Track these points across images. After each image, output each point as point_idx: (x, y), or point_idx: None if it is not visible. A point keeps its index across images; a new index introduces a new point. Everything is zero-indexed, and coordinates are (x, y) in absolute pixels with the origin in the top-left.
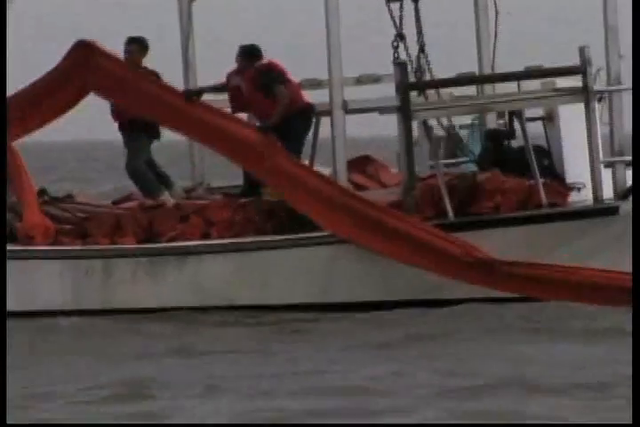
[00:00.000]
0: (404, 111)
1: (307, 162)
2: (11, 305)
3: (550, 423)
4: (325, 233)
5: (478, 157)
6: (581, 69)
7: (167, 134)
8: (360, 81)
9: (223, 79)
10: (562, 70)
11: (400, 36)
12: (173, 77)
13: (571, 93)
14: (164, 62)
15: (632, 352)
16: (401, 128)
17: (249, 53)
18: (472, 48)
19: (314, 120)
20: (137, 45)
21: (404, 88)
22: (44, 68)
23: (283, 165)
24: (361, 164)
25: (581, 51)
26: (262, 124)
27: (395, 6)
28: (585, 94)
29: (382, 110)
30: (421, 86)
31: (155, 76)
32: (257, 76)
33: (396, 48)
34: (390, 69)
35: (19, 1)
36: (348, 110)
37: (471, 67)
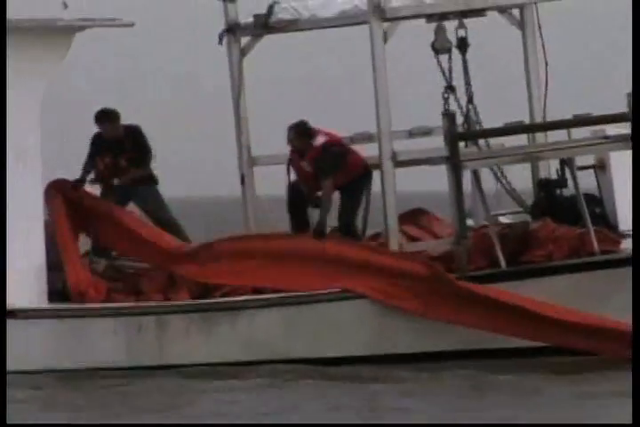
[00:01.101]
0: (454, 161)
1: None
2: (64, 363)
3: (549, 424)
4: None
5: (531, 207)
6: (628, 116)
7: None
8: (412, 134)
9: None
10: (609, 118)
11: (450, 88)
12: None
13: (618, 140)
14: (218, 120)
15: (632, 352)
16: (450, 178)
17: (303, 134)
18: (523, 98)
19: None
20: (112, 120)
21: (452, 138)
22: None
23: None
24: (414, 216)
25: (628, 97)
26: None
27: (443, 58)
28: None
29: (432, 161)
30: (470, 136)
31: (136, 131)
32: (319, 159)
33: (446, 99)
34: (440, 121)
35: None
36: (397, 162)
37: (524, 116)
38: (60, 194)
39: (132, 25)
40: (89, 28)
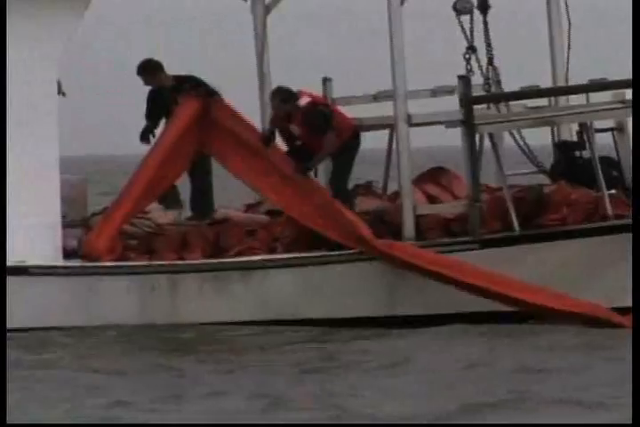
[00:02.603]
0: (468, 125)
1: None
2: (78, 321)
3: (549, 423)
4: None
5: (550, 168)
6: None
7: None
8: (435, 92)
9: None
10: (624, 83)
11: (472, 49)
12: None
13: (630, 106)
14: (239, 74)
15: (632, 352)
16: (465, 141)
17: (284, 98)
18: (546, 60)
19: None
20: (149, 72)
21: (467, 101)
22: None
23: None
24: (435, 175)
25: None
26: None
27: (465, 19)
28: None
29: (447, 124)
30: (484, 100)
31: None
32: (307, 121)
33: (467, 60)
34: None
35: None
36: (411, 124)
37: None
38: (199, 102)
39: None
40: None
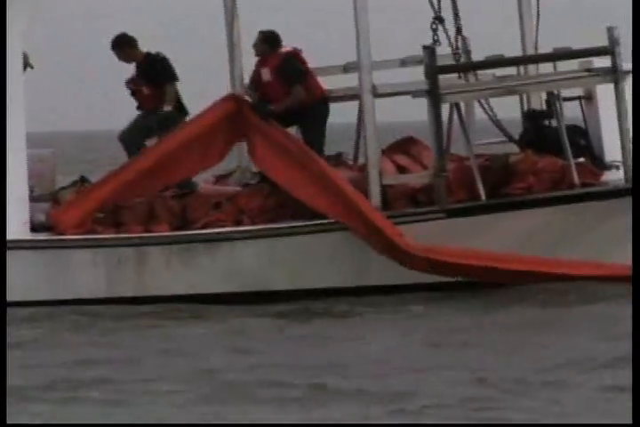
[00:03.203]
0: (433, 95)
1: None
2: (44, 294)
3: (549, 423)
4: None
5: (518, 137)
6: (609, 50)
7: None
8: (405, 62)
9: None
10: (590, 51)
11: (439, 19)
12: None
13: (599, 74)
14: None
15: (632, 352)
16: (430, 111)
17: (270, 41)
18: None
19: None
20: (121, 47)
21: (432, 72)
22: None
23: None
24: (405, 145)
25: (609, 31)
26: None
27: None
28: (614, 74)
29: (412, 94)
30: (449, 70)
31: (163, 58)
32: (281, 66)
33: (434, 30)
34: (442, 50)
35: None
36: (376, 94)
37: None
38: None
39: None
40: None
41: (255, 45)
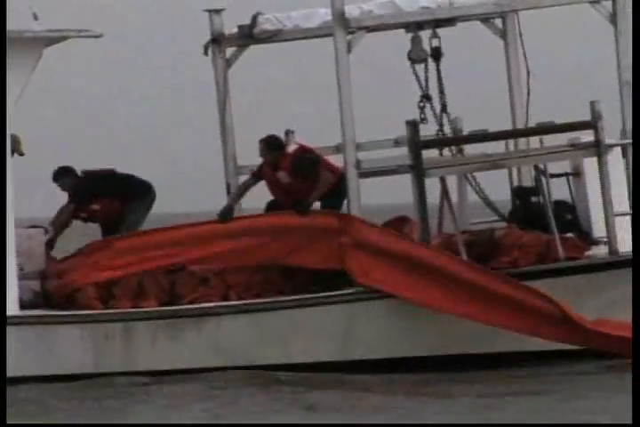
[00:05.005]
0: (417, 169)
1: None
2: (33, 370)
3: (551, 424)
4: (344, 291)
5: (508, 214)
6: (592, 124)
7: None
8: (398, 142)
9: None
10: (573, 125)
11: (426, 97)
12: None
13: (582, 148)
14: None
15: (632, 352)
16: (414, 186)
17: (274, 146)
18: (506, 106)
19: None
20: (61, 178)
21: (415, 146)
22: None
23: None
24: (398, 223)
25: (592, 105)
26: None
27: (419, 67)
28: (597, 148)
29: (397, 171)
30: (432, 144)
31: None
32: (294, 166)
33: (422, 108)
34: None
35: None
36: (363, 173)
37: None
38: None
39: (100, 36)
40: (58, 40)
41: (262, 153)
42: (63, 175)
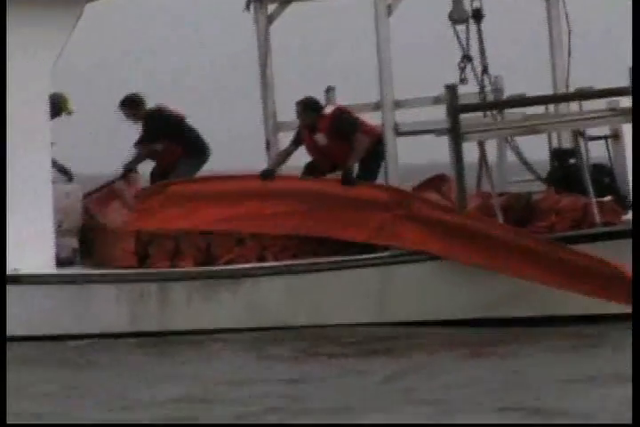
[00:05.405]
0: (454, 133)
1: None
2: (69, 328)
3: (552, 424)
4: (377, 254)
5: (546, 176)
6: (628, 90)
7: None
8: (438, 100)
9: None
10: (611, 91)
11: (467, 57)
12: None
13: (621, 113)
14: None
15: (632, 352)
16: (452, 150)
17: (312, 107)
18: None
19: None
20: (130, 106)
21: (453, 110)
22: None
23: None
24: (436, 182)
25: (630, 71)
26: (342, 171)
27: (460, 28)
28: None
29: (435, 132)
30: (470, 108)
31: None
32: (333, 127)
33: (462, 69)
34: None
35: None
36: (399, 133)
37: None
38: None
39: None
40: None
41: (299, 116)
42: (136, 104)
